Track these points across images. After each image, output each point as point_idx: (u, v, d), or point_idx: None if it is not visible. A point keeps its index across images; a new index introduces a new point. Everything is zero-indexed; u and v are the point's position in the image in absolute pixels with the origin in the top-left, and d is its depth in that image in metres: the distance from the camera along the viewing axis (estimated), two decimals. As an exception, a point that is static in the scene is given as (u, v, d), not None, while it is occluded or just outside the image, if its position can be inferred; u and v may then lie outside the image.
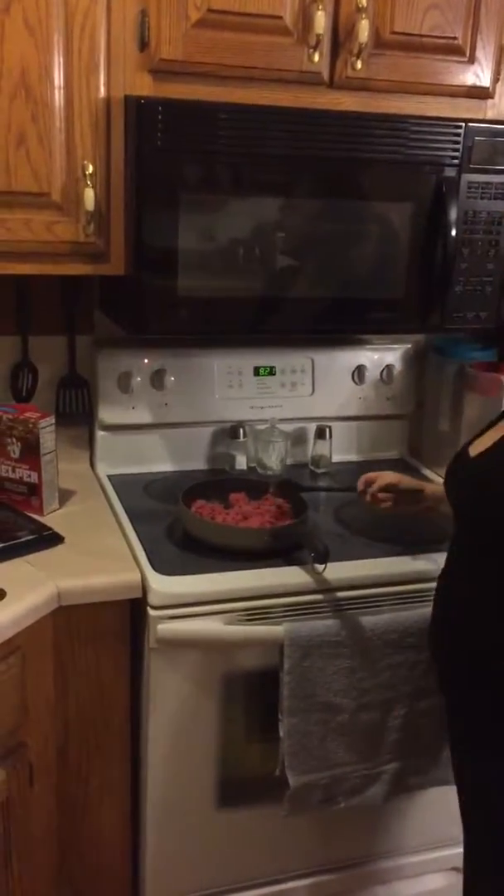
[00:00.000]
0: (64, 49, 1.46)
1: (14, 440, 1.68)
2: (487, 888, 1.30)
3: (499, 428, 1.32)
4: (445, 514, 1.39)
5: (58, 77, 1.47)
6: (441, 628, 1.36)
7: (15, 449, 1.69)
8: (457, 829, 1.39)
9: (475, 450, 1.32)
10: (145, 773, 1.58)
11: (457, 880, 1.82)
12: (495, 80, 1.69)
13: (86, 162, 1.51)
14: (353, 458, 2.09)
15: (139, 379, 1.90)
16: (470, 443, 1.37)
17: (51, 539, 1.58)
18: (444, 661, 1.36)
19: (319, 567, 1.51)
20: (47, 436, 1.68)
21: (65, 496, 1.77)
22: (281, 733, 1.51)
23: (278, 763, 1.53)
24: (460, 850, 1.78)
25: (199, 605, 1.48)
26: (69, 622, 1.47)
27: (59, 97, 1.48)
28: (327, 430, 2.01)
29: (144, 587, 1.48)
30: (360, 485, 1.62)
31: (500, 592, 1.21)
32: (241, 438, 1.96)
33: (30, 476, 1.69)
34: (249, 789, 1.63)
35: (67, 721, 1.54)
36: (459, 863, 1.80)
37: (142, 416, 1.92)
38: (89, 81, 1.49)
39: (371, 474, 1.63)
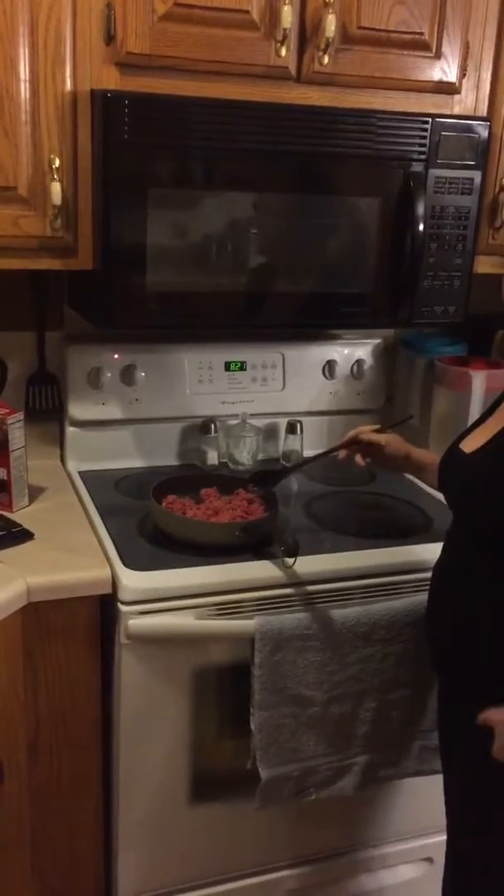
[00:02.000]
0: (29, 42, 1.45)
1: (-18, 437, 1.67)
2: (475, 869, 1.30)
3: (491, 424, 1.33)
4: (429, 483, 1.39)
5: (23, 70, 1.46)
6: (438, 615, 1.38)
7: (-17, 445, 1.68)
8: (429, 819, 1.40)
9: (469, 446, 1.33)
10: (117, 770, 1.58)
11: (430, 870, 1.84)
12: (461, 75, 1.70)
13: (52, 156, 1.50)
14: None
15: (109, 374, 1.89)
16: (461, 438, 1.38)
17: (20, 535, 1.57)
18: (440, 647, 1.39)
19: (289, 561, 1.51)
20: (16, 432, 1.67)
21: (35, 492, 1.76)
22: (252, 727, 1.51)
23: (250, 757, 1.53)
24: (433, 840, 1.81)
25: (170, 601, 1.48)
26: (39, 619, 1.46)
27: (24, 90, 1.47)
28: (298, 424, 2.01)
29: (115, 583, 1.48)
30: (346, 440, 1.65)
31: (495, 584, 1.23)
32: (213, 434, 1.96)
33: (-2, 473, 1.68)
34: (222, 783, 1.64)
35: (38, 718, 1.53)
36: (433, 853, 1.83)
37: (112, 411, 1.92)
38: (55, 74, 1.48)
39: (363, 432, 1.65)
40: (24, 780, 1.55)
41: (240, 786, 1.58)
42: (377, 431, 1.68)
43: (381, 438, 1.64)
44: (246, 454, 1.98)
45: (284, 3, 1.52)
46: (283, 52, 1.56)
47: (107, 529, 1.62)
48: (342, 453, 1.68)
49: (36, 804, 1.58)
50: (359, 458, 1.66)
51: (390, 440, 1.64)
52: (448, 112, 1.72)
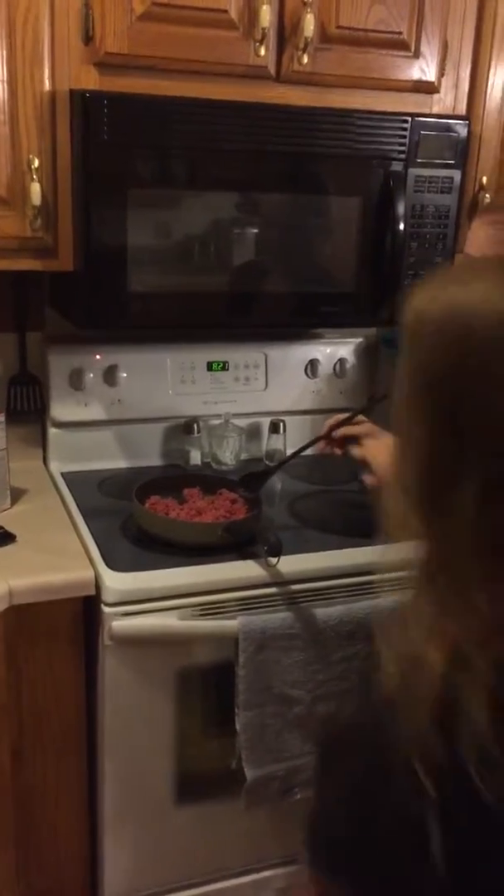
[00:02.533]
0: (7, 42, 1.44)
1: (-37, 439, 1.66)
2: None
3: None
4: None
5: (1, 70, 1.45)
6: None
7: (-36, 447, 1.67)
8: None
9: None
10: (102, 771, 1.58)
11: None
12: (440, 74, 1.71)
13: (31, 156, 1.49)
14: (307, 451, 2.10)
15: (91, 375, 1.89)
16: None
17: (2, 538, 1.57)
18: None
19: (272, 560, 1.51)
20: (-2, 434, 1.66)
21: (17, 494, 1.75)
22: (237, 727, 1.51)
23: (235, 756, 1.53)
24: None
25: (154, 601, 1.48)
26: (22, 621, 1.46)
27: (2, 91, 1.46)
28: (281, 424, 2.01)
29: (98, 584, 1.47)
30: (326, 428, 1.56)
31: None
32: (195, 434, 1.96)
33: (-20, 475, 1.67)
34: (207, 784, 1.63)
35: (22, 721, 1.52)
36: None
37: (94, 412, 1.91)
38: (33, 75, 1.47)
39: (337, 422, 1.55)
40: (9, 783, 1.55)
41: (226, 785, 1.58)
42: (353, 416, 1.58)
43: (357, 430, 1.55)
44: (229, 454, 1.98)
45: (263, 3, 1.52)
46: (262, 51, 1.56)
47: (90, 531, 1.62)
48: (320, 445, 1.64)
49: (21, 806, 1.58)
50: (337, 450, 1.60)
51: (367, 431, 1.54)
52: (427, 111, 1.73)
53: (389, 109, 1.69)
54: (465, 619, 0.63)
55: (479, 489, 0.66)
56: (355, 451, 1.49)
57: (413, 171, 1.69)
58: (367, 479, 1.45)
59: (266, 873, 1.77)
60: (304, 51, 1.58)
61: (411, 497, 0.71)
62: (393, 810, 0.58)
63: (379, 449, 1.42)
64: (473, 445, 0.67)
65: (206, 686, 1.56)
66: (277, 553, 1.50)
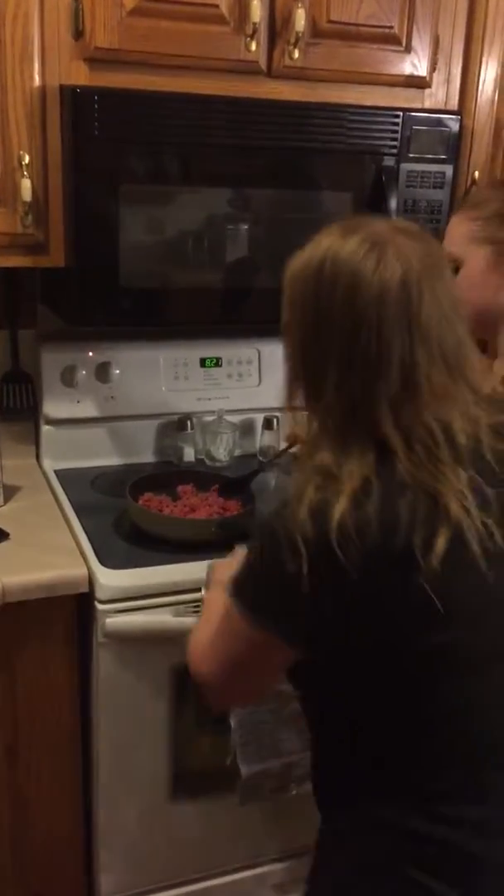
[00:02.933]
0: (-4, 37, 1.44)
1: (-44, 436, 1.66)
2: None
3: None
4: None
5: (-10, 66, 1.45)
6: None
7: (-43, 445, 1.66)
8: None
9: None
10: (97, 769, 1.57)
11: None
12: (432, 69, 1.71)
13: (22, 152, 1.49)
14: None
15: (84, 372, 1.88)
16: None
17: (-5, 535, 1.57)
18: None
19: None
20: (-10, 431, 1.66)
21: (10, 492, 1.74)
22: (232, 723, 1.50)
23: (230, 753, 1.53)
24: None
25: (147, 598, 1.47)
26: (15, 619, 1.45)
27: (-8, 86, 1.46)
28: (275, 420, 2.01)
29: (91, 581, 1.47)
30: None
31: None
32: (189, 430, 1.96)
33: (-27, 472, 1.66)
34: (202, 781, 1.64)
35: (16, 719, 1.52)
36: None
37: (87, 409, 1.90)
38: (23, 70, 1.46)
39: None
40: (3, 782, 1.54)
41: (220, 782, 1.58)
42: None
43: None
44: (223, 450, 1.97)
45: (254, -2, 1.52)
46: (253, 46, 1.56)
47: (83, 528, 1.61)
48: None
49: (15, 804, 1.57)
50: None
51: None
52: (419, 106, 1.73)
53: (381, 104, 1.68)
54: (333, 458, 0.94)
55: (338, 371, 0.94)
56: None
57: (405, 166, 1.69)
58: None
59: (261, 869, 1.77)
60: (295, 45, 1.58)
61: (300, 389, 1.00)
62: (283, 563, 0.91)
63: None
64: (329, 344, 0.95)
65: (201, 683, 1.56)
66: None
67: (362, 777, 1.01)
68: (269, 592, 0.95)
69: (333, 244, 0.95)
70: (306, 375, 0.99)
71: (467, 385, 0.96)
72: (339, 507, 0.88)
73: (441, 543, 0.88)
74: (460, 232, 1.40)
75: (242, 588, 0.98)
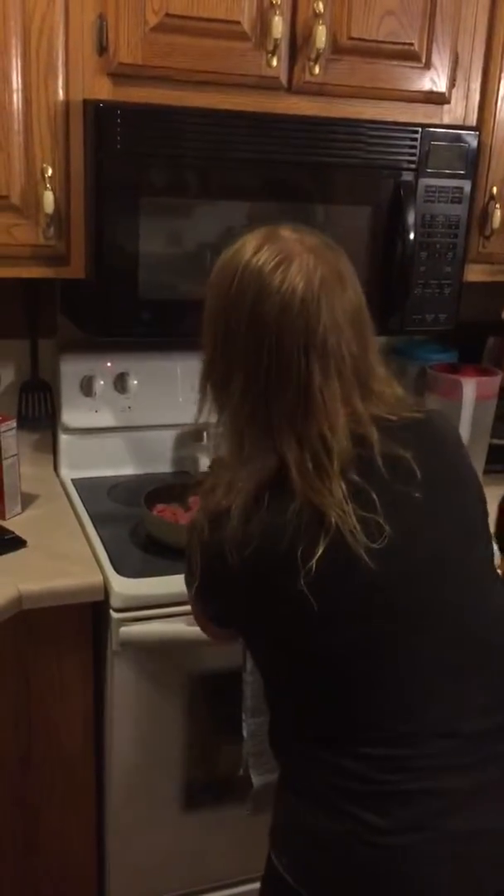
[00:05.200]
0: (22, 53, 1.46)
1: (-25, 444, 1.67)
2: None
3: None
4: None
5: (16, 80, 1.47)
6: None
7: (-24, 453, 1.68)
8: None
9: None
10: (110, 778, 1.58)
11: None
12: (451, 85, 1.72)
13: (45, 165, 1.51)
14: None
15: (102, 382, 1.90)
16: None
17: (13, 543, 1.58)
18: None
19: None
20: (9, 440, 1.67)
21: (27, 500, 1.76)
22: (244, 733, 1.51)
23: (242, 763, 1.53)
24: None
25: (162, 608, 1.48)
26: (31, 626, 1.46)
27: (17, 100, 1.48)
28: (290, 431, 2.02)
29: (107, 590, 1.48)
30: None
31: None
32: (205, 441, 1.97)
33: (-9, 480, 1.68)
34: (215, 790, 1.64)
35: (30, 727, 1.53)
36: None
37: (105, 419, 1.92)
38: (48, 85, 1.49)
39: None
40: (17, 789, 1.55)
41: (233, 792, 1.58)
42: None
43: None
44: (238, 461, 1.98)
45: (275, 14, 1.53)
46: (274, 62, 1.58)
47: (99, 536, 1.63)
48: None
49: (28, 812, 1.58)
50: None
51: None
52: (438, 122, 1.74)
53: (400, 120, 1.70)
54: (235, 466, 1.01)
55: (242, 381, 0.99)
56: None
57: (423, 181, 1.70)
58: None
59: (272, 881, 1.77)
60: (315, 62, 1.59)
61: (210, 396, 1.07)
62: (191, 560, 1.06)
63: None
64: (234, 356, 1.00)
65: (214, 692, 1.57)
66: None
67: (290, 726, 1.12)
68: (191, 578, 1.09)
69: (245, 257, 1.00)
70: (215, 383, 1.06)
71: (368, 395, 1.03)
72: (233, 515, 0.97)
73: (320, 550, 0.95)
74: None
75: (186, 567, 1.12)
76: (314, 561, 0.94)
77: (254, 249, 1.00)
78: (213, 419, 1.08)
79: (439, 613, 1.03)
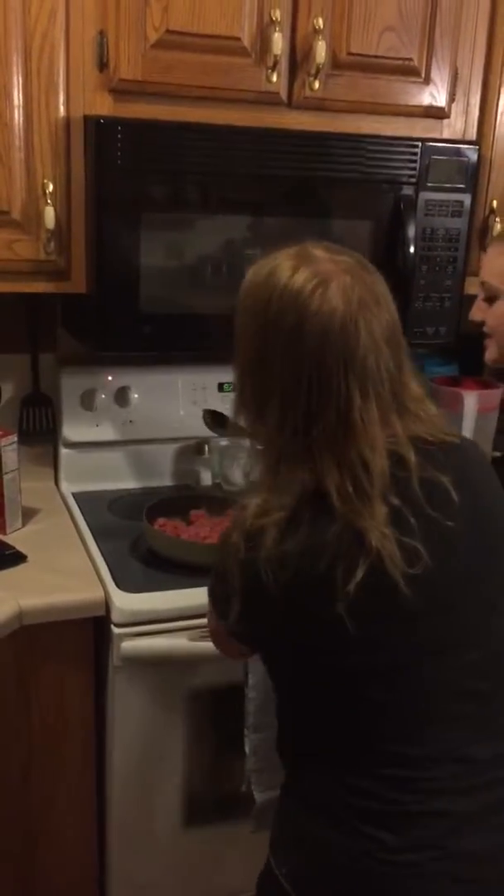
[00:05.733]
0: (22, 69, 1.47)
1: (-24, 459, 1.67)
2: None
3: None
4: None
5: (17, 96, 1.48)
6: None
7: (-23, 468, 1.68)
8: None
9: None
10: (111, 793, 1.57)
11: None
12: (450, 100, 1.73)
13: (46, 180, 1.52)
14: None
15: (103, 396, 1.90)
16: None
17: (13, 558, 1.57)
18: None
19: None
20: (10, 454, 1.67)
21: (28, 514, 1.76)
22: (246, 749, 1.50)
23: (244, 779, 1.52)
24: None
25: (163, 622, 1.48)
26: (32, 641, 1.46)
27: (18, 116, 1.49)
28: (292, 445, 2.02)
29: (108, 605, 1.48)
30: None
31: None
32: (206, 455, 1.97)
33: (-8, 495, 1.68)
34: (216, 806, 1.63)
35: (31, 742, 1.52)
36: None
37: (106, 433, 1.92)
38: (48, 101, 1.50)
39: None
40: (18, 803, 1.54)
41: (234, 809, 1.57)
42: None
43: None
44: (239, 475, 1.98)
45: (275, 30, 1.54)
46: (274, 77, 1.58)
47: (100, 551, 1.62)
48: None
49: (29, 827, 1.57)
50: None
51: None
52: (437, 136, 1.74)
53: (400, 134, 1.70)
54: (273, 486, 1.00)
55: (279, 404, 0.98)
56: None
57: (423, 195, 1.71)
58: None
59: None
60: (315, 77, 1.60)
61: (246, 419, 1.05)
62: (224, 579, 1.02)
63: None
64: (272, 379, 0.98)
65: (216, 708, 1.56)
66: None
67: (303, 741, 1.12)
68: (220, 599, 1.07)
69: (281, 278, 0.98)
70: (251, 406, 1.04)
71: (405, 414, 1.02)
72: (270, 536, 0.96)
73: (360, 574, 0.94)
74: (500, 263, 1.41)
75: (209, 585, 1.11)
76: (353, 584, 0.94)
77: (290, 271, 0.98)
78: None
79: (467, 641, 1.03)
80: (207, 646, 1.48)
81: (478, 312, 1.49)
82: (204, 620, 1.47)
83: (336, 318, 0.95)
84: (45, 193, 1.51)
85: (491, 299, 1.45)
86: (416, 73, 1.68)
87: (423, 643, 1.01)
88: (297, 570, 0.95)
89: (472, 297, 1.84)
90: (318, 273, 0.97)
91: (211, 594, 1.11)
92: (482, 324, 1.49)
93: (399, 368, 1.01)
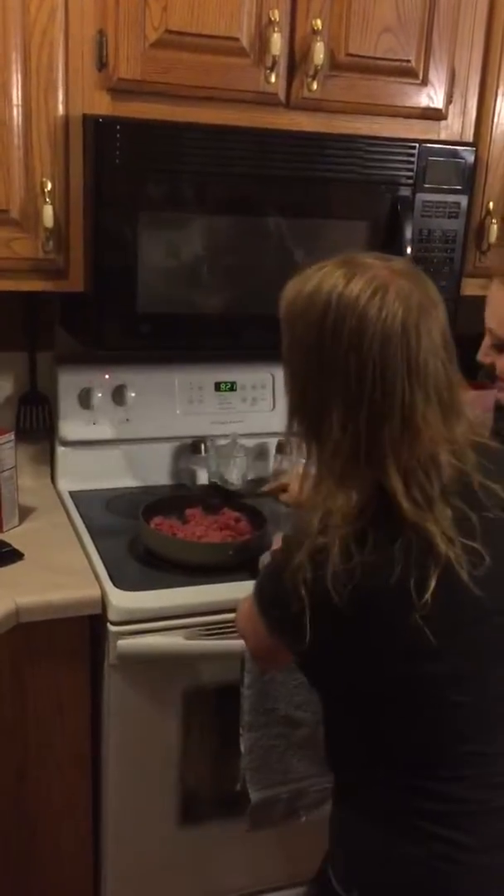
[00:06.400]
0: (22, 68, 1.47)
1: (-27, 457, 1.67)
2: None
3: None
4: None
5: (16, 95, 1.48)
6: None
7: (-26, 465, 1.68)
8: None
9: None
10: (106, 792, 1.57)
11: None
12: (448, 101, 1.73)
13: (44, 179, 1.52)
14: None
15: (100, 395, 1.90)
16: None
17: (10, 556, 1.58)
18: None
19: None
20: (7, 452, 1.67)
21: (25, 513, 1.76)
22: (242, 748, 1.51)
23: (239, 778, 1.53)
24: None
25: (160, 621, 1.48)
26: (28, 639, 1.46)
27: (17, 115, 1.49)
28: (288, 445, 2.02)
29: (104, 603, 1.48)
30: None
31: None
32: (203, 454, 1.97)
33: (-11, 493, 1.68)
34: (211, 805, 1.63)
35: (27, 740, 1.52)
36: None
37: (103, 431, 1.92)
38: (47, 100, 1.50)
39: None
40: (12, 802, 1.54)
41: (230, 807, 1.58)
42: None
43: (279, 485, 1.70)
44: (236, 474, 1.98)
45: (274, 31, 1.55)
46: (273, 78, 1.59)
47: (97, 549, 1.63)
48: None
49: (24, 826, 1.57)
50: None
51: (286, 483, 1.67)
52: (435, 137, 1.75)
53: (397, 136, 1.71)
54: (334, 500, 0.98)
55: (342, 412, 0.97)
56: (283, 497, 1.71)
57: (420, 196, 1.71)
58: (283, 497, 1.69)
59: (269, 896, 1.76)
60: (313, 78, 1.61)
61: (302, 429, 1.04)
62: (286, 600, 0.99)
63: (293, 481, 1.61)
64: (334, 385, 0.97)
65: (211, 706, 1.57)
66: None
67: (361, 751, 1.10)
68: (277, 615, 1.05)
69: (337, 287, 0.98)
70: (308, 416, 1.02)
71: (459, 421, 1.02)
72: (336, 552, 0.94)
73: (433, 582, 0.94)
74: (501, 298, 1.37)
75: (260, 601, 1.09)
76: (428, 594, 0.93)
77: (344, 279, 0.98)
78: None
79: None
80: (203, 644, 1.49)
81: (486, 357, 1.44)
82: (200, 619, 1.49)
83: (397, 323, 0.95)
84: (43, 192, 1.51)
85: (500, 347, 1.41)
86: (414, 75, 1.69)
87: (487, 643, 1.02)
88: (368, 586, 0.95)
89: (469, 299, 1.85)
90: (374, 279, 0.97)
91: (262, 604, 1.09)
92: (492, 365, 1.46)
93: (453, 370, 1.02)
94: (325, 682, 1.12)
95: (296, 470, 1.59)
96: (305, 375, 1.01)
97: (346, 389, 0.97)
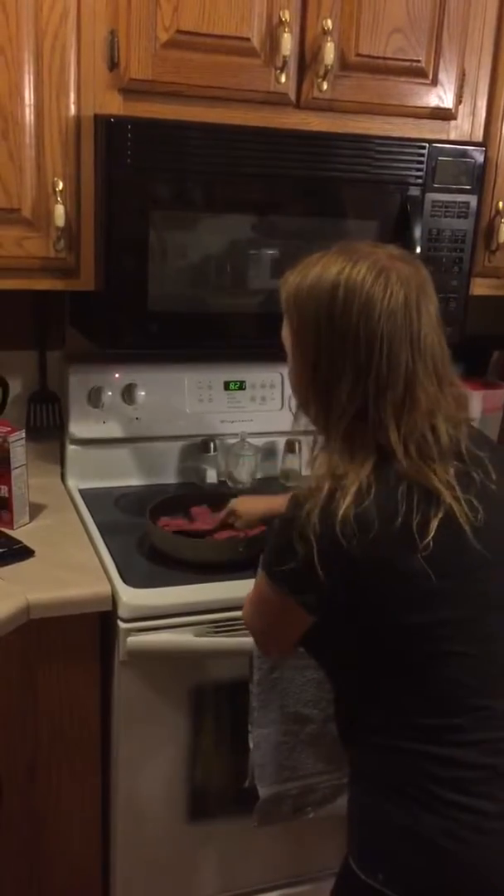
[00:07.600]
0: (34, 68, 1.48)
1: (-16, 454, 1.69)
2: None
3: None
4: None
5: (28, 95, 1.49)
6: None
7: (-15, 463, 1.69)
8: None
9: None
10: (116, 787, 1.58)
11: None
12: (458, 102, 1.74)
13: (56, 178, 1.53)
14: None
15: (110, 393, 1.91)
16: None
17: (21, 553, 1.59)
18: None
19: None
20: (17, 450, 1.68)
21: (35, 510, 1.77)
22: (250, 744, 1.51)
23: (248, 774, 1.54)
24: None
25: (169, 618, 1.49)
26: (38, 636, 1.47)
27: (29, 115, 1.50)
28: (297, 444, 2.03)
29: (115, 600, 1.49)
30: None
31: None
32: (212, 452, 1.98)
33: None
34: (220, 801, 1.64)
35: (37, 736, 1.53)
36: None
37: (112, 430, 1.93)
38: (59, 100, 1.51)
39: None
40: (23, 801, 1.55)
41: (238, 803, 1.59)
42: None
43: (232, 507, 1.66)
44: (245, 473, 1.99)
45: (284, 31, 1.55)
46: (283, 78, 1.59)
47: (107, 547, 1.64)
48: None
49: (34, 824, 1.58)
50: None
51: (238, 505, 1.65)
52: (444, 137, 1.75)
53: (407, 136, 1.71)
54: (340, 463, 1.07)
55: (351, 383, 1.06)
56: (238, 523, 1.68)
57: (430, 196, 1.72)
58: (239, 524, 1.66)
59: (279, 892, 1.77)
60: (324, 78, 1.61)
61: (312, 401, 1.13)
62: (297, 553, 1.06)
63: (245, 504, 1.66)
64: (343, 359, 1.07)
65: (220, 703, 1.57)
66: None
67: (376, 719, 1.15)
68: (289, 572, 1.09)
69: (343, 270, 1.08)
70: (319, 388, 1.11)
71: (451, 392, 1.13)
72: (344, 504, 1.03)
73: (434, 524, 1.04)
74: None
75: (269, 565, 1.14)
76: (430, 538, 1.03)
77: (349, 263, 1.08)
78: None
79: None
80: (213, 641, 1.50)
81: None
82: (210, 616, 1.50)
83: (401, 302, 1.06)
84: (55, 191, 1.52)
85: None
86: (424, 75, 1.69)
87: (488, 593, 1.10)
88: (375, 528, 1.02)
89: (478, 298, 1.86)
90: (376, 263, 1.08)
91: (272, 568, 1.12)
92: None
93: (445, 352, 1.13)
94: (335, 646, 1.17)
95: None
96: (317, 352, 1.10)
97: (355, 359, 1.06)
